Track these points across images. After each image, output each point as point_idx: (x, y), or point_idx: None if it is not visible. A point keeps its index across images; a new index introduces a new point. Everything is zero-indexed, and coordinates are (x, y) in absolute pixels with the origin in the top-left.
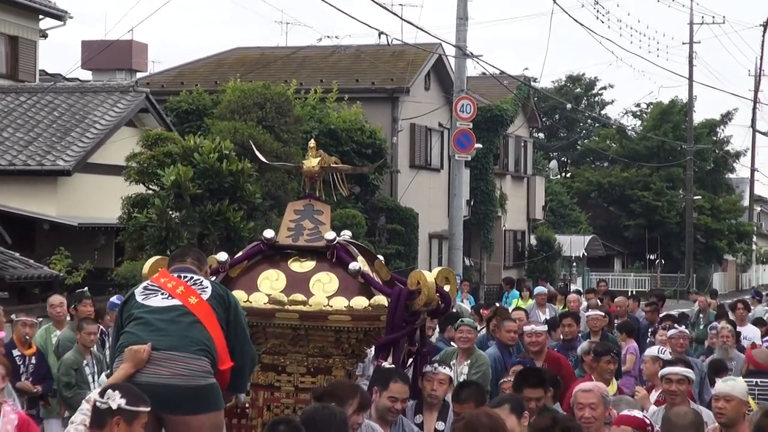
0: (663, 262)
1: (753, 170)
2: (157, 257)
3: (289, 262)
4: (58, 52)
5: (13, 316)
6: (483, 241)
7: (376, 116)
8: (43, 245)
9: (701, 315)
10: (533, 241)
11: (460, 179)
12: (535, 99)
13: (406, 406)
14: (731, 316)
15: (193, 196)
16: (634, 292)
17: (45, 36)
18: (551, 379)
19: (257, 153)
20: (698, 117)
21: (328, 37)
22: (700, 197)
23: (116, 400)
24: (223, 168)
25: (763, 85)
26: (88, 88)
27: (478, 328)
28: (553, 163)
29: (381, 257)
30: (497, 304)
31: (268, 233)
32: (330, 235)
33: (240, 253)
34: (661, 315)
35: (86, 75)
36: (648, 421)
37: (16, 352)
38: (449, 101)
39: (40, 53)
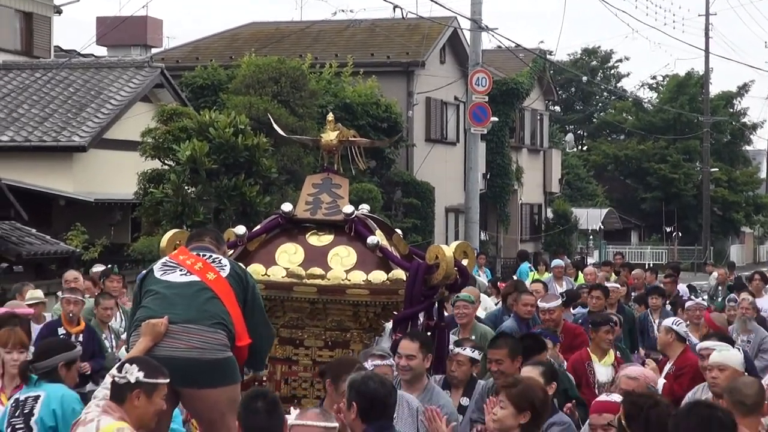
0: (680, 234)
1: None
2: (175, 230)
3: (307, 236)
4: (73, 28)
5: (58, 294)
6: (499, 215)
7: (392, 90)
8: (59, 221)
9: (720, 287)
10: (550, 215)
11: (476, 153)
12: (551, 72)
13: (419, 364)
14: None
15: (208, 171)
16: (651, 265)
17: (59, 12)
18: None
19: (276, 126)
20: (715, 89)
21: (343, 11)
22: (717, 169)
23: (134, 373)
24: (238, 143)
25: None
26: (103, 63)
27: (495, 303)
28: (570, 136)
29: (399, 231)
30: (515, 278)
31: (286, 207)
32: (348, 209)
33: (258, 227)
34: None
35: (101, 51)
36: None
37: (61, 331)
38: (465, 75)
39: (55, 29)
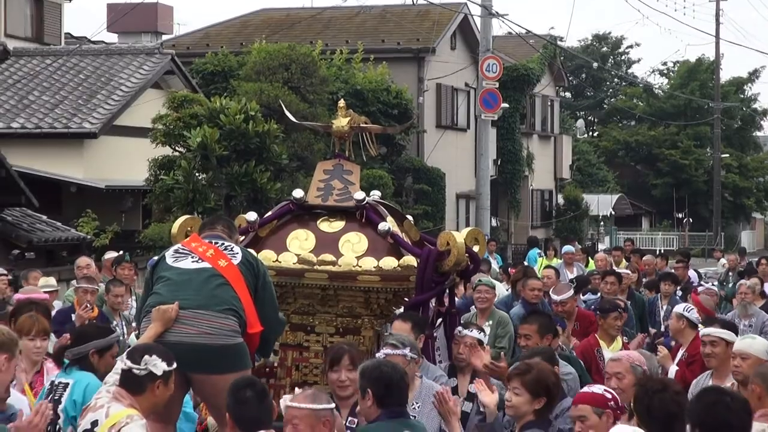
0: (691, 220)
1: None
2: (186, 217)
3: (318, 222)
4: (84, 15)
5: (73, 282)
6: (510, 201)
7: (402, 76)
8: (70, 208)
9: (730, 273)
10: (560, 201)
11: (487, 139)
12: (562, 58)
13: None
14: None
15: (219, 157)
16: (662, 251)
17: None
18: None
19: (287, 113)
20: (725, 75)
21: None
22: (727, 155)
23: (159, 365)
24: (249, 129)
25: None
26: (114, 50)
27: (506, 289)
28: (580, 122)
29: (410, 217)
30: (525, 263)
31: (298, 193)
32: (359, 195)
33: (269, 213)
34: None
35: (112, 37)
36: (610, 396)
37: (74, 317)
38: (475, 61)
39: (66, 16)
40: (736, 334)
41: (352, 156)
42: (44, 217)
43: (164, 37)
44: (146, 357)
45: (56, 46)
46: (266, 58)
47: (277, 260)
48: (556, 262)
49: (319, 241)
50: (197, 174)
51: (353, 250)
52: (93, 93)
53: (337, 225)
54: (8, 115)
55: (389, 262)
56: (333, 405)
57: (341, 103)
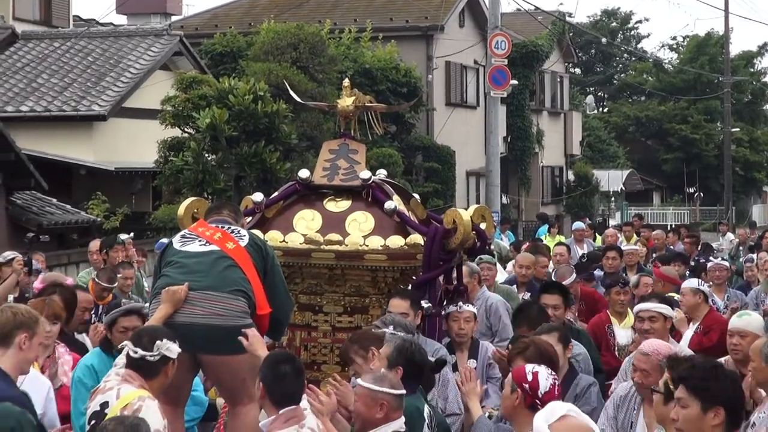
0: (702, 195)
1: None
2: (192, 199)
3: (324, 202)
4: None
5: (90, 270)
6: (520, 178)
7: (411, 55)
8: (79, 190)
9: (741, 247)
10: (571, 177)
11: (497, 116)
12: (571, 34)
13: (411, 321)
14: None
15: (228, 138)
16: (673, 226)
17: None
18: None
19: (291, 93)
20: (735, 49)
21: None
22: (738, 129)
23: (171, 347)
24: (258, 109)
25: None
26: (122, 32)
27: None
28: (590, 98)
29: (417, 195)
30: (539, 238)
31: (303, 173)
32: (365, 174)
33: (275, 194)
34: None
35: (120, 19)
36: (530, 379)
37: None
38: (484, 38)
39: None
40: (673, 309)
41: (358, 135)
42: (54, 200)
43: (173, 19)
44: (158, 342)
45: (65, 28)
46: (275, 38)
47: (283, 241)
48: (558, 239)
49: (325, 221)
50: (207, 155)
51: (360, 229)
52: (102, 75)
53: (344, 204)
54: (17, 99)
55: (396, 241)
56: (396, 390)
57: (346, 82)
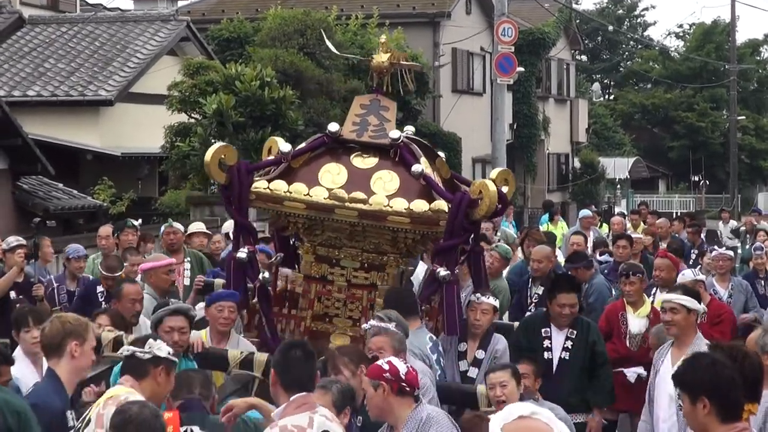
0: (707, 182)
1: None
2: (220, 144)
3: (351, 157)
4: None
5: (98, 255)
6: (526, 165)
7: (418, 41)
8: (86, 175)
9: (748, 235)
10: (577, 164)
11: (503, 103)
12: (577, 21)
13: None
14: None
15: (235, 124)
16: (678, 213)
17: None
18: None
19: (328, 43)
20: (741, 37)
21: None
22: (743, 117)
23: (163, 348)
24: (264, 95)
25: None
26: (129, 17)
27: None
28: (596, 86)
29: (442, 154)
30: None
31: (333, 126)
32: (395, 134)
33: (303, 144)
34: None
35: (127, 4)
36: (387, 368)
37: (100, 288)
38: (490, 25)
39: None
40: (699, 302)
41: (390, 91)
42: (60, 185)
43: (180, 4)
44: (150, 341)
45: (71, 13)
46: (281, 24)
47: (308, 194)
48: (561, 227)
49: (351, 177)
50: (213, 141)
51: (385, 188)
52: (108, 60)
53: (371, 161)
54: (24, 83)
55: (420, 205)
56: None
57: (383, 38)
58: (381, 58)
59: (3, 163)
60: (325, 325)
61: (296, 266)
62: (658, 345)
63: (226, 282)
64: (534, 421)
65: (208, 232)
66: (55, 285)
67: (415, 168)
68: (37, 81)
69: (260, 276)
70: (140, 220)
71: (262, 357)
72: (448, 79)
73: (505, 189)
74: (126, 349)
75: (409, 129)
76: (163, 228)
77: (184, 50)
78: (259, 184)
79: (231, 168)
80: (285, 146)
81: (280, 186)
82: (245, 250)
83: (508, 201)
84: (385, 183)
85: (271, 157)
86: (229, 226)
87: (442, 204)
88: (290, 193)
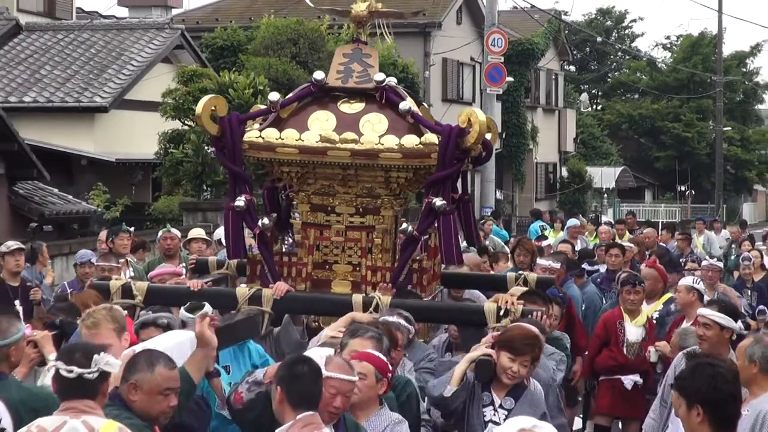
0: (693, 192)
1: None
2: (210, 96)
3: (338, 104)
4: None
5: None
6: (515, 174)
7: (409, 51)
8: (81, 181)
9: (733, 246)
10: (564, 173)
11: (492, 112)
12: (566, 32)
13: None
14: (762, 245)
15: None
16: (663, 223)
17: None
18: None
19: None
20: (728, 49)
21: None
22: (729, 128)
23: (111, 361)
24: (257, 103)
25: None
26: (124, 25)
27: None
28: (584, 96)
29: (426, 104)
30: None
31: (318, 75)
32: (379, 76)
33: (290, 95)
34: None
35: (122, 12)
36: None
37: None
38: (481, 35)
39: None
40: (736, 321)
41: (369, 43)
42: (55, 190)
43: (174, 12)
44: (95, 357)
45: (67, 20)
46: (275, 32)
47: (299, 139)
48: (561, 235)
49: (339, 122)
50: (206, 147)
51: (374, 129)
52: (104, 67)
53: (358, 106)
54: (20, 90)
55: (411, 140)
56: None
57: None
58: (360, 7)
59: None
60: (325, 273)
61: (290, 231)
62: (678, 345)
63: (225, 233)
64: None
65: (207, 238)
66: (69, 291)
67: (403, 105)
68: (33, 87)
69: (259, 222)
70: (132, 228)
71: (269, 292)
72: (439, 89)
73: (488, 136)
74: (65, 369)
75: (392, 80)
76: (160, 233)
77: (178, 58)
78: (251, 134)
79: (222, 119)
80: (274, 96)
81: (271, 134)
82: (242, 198)
83: (492, 147)
84: (374, 125)
85: (262, 107)
86: (220, 232)
87: (432, 137)
88: (282, 139)
